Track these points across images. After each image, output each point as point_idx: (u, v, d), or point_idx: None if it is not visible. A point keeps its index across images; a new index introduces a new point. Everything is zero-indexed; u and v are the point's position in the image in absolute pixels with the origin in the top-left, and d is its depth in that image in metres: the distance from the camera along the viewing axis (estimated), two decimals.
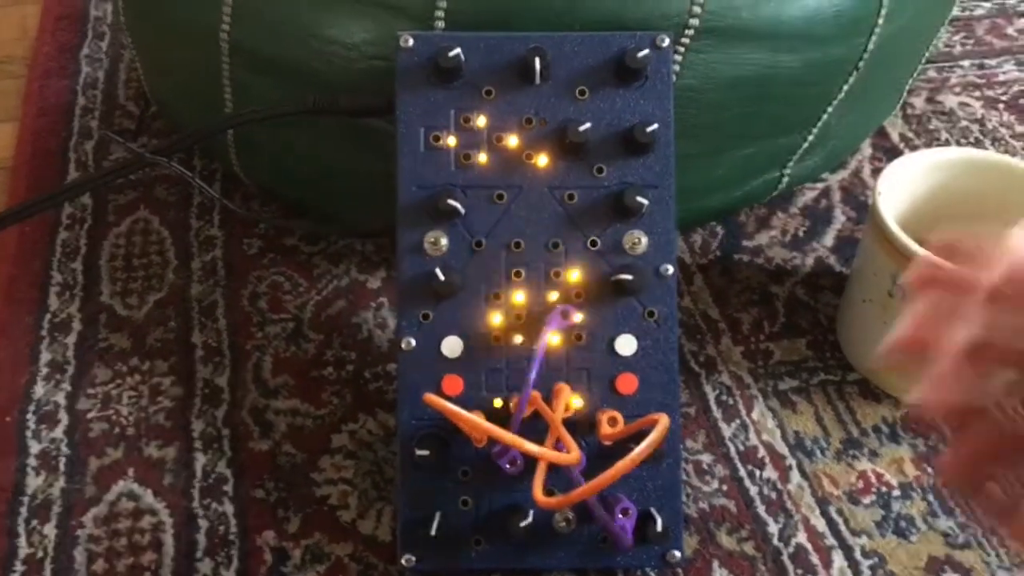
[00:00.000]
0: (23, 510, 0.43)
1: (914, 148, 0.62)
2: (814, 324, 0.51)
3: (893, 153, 0.61)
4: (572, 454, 0.34)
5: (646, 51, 0.40)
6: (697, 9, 0.42)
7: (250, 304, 0.52)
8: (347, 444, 0.46)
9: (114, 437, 0.46)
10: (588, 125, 0.40)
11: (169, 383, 0.48)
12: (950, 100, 0.66)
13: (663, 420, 0.32)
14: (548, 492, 0.36)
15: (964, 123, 0.64)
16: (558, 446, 0.36)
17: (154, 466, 0.45)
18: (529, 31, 0.41)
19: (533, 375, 0.36)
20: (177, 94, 0.55)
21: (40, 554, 0.42)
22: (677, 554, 0.40)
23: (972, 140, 0.63)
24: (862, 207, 0.58)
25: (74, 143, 0.62)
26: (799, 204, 0.58)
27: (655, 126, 0.40)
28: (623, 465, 0.30)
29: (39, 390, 0.48)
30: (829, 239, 0.56)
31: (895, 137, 0.63)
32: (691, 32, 0.43)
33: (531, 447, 0.33)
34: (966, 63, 0.69)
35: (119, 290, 0.53)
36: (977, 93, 0.66)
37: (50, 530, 0.42)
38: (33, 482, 0.44)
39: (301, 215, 0.56)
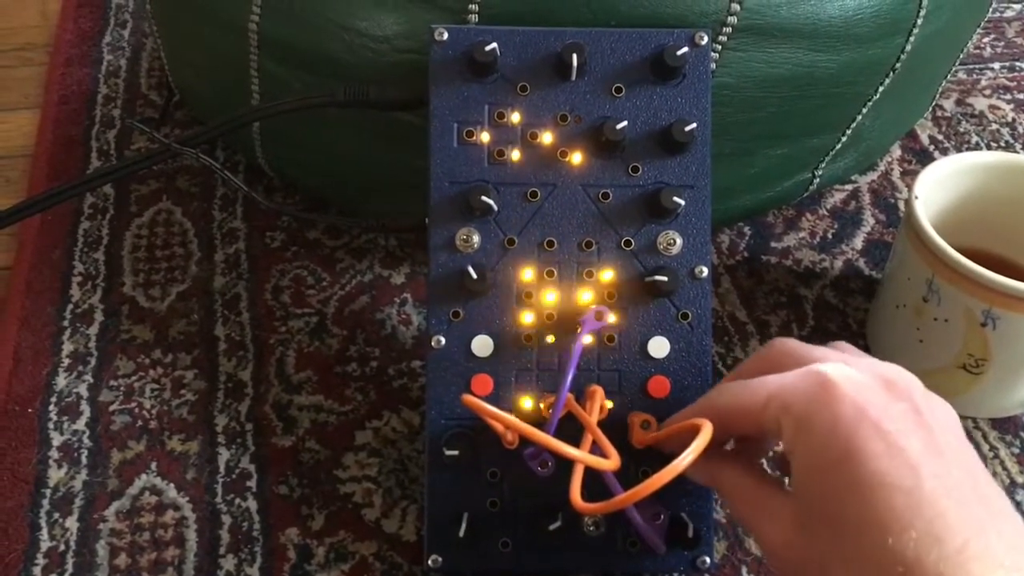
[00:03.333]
0: (45, 503, 0.43)
1: (944, 151, 0.61)
2: (843, 328, 0.51)
3: (923, 155, 0.61)
4: (612, 460, 0.34)
5: (684, 48, 0.39)
6: (736, 7, 0.42)
7: (273, 298, 0.52)
8: (371, 441, 0.45)
9: (136, 430, 0.46)
10: (624, 123, 0.39)
11: (192, 376, 0.48)
12: (980, 103, 0.65)
13: (707, 426, 0.32)
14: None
15: (994, 126, 0.63)
16: (594, 449, 0.36)
17: (177, 460, 0.44)
18: (564, 26, 0.41)
19: (570, 377, 0.36)
20: (203, 84, 0.54)
21: (62, 547, 0.41)
22: (707, 560, 0.39)
23: (1002, 143, 0.62)
24: (891, 209, 0.57)
25: (96, 132, 0.62)
26: (827, 206, 0.57)
27: (693, 125, 0.39)
28: (668, 472, 0.30)
29: (61, 381, 0.47)
30: (858, 242, 0.55)
31: (925, 139, 0.62)
32: (728, 30, 0.42)
33: (571, 451, 0.33)
34: (996, 65, 0.68)
35: (141, 281, 0.52)
36: (1008, 96, 0.65)
37: (72, 523, 0.42)
38: (55, 475, 0.44)
39: (325, 208, 0.56)
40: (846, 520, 0.29)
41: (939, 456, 0.29)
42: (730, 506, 0.35)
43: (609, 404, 0.39)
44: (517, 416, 0.37)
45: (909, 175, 0.59)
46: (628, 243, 0.40)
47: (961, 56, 0.56)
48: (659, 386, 0.39)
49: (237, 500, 0.43)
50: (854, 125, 0.50)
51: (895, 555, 0.27)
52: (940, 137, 0.62)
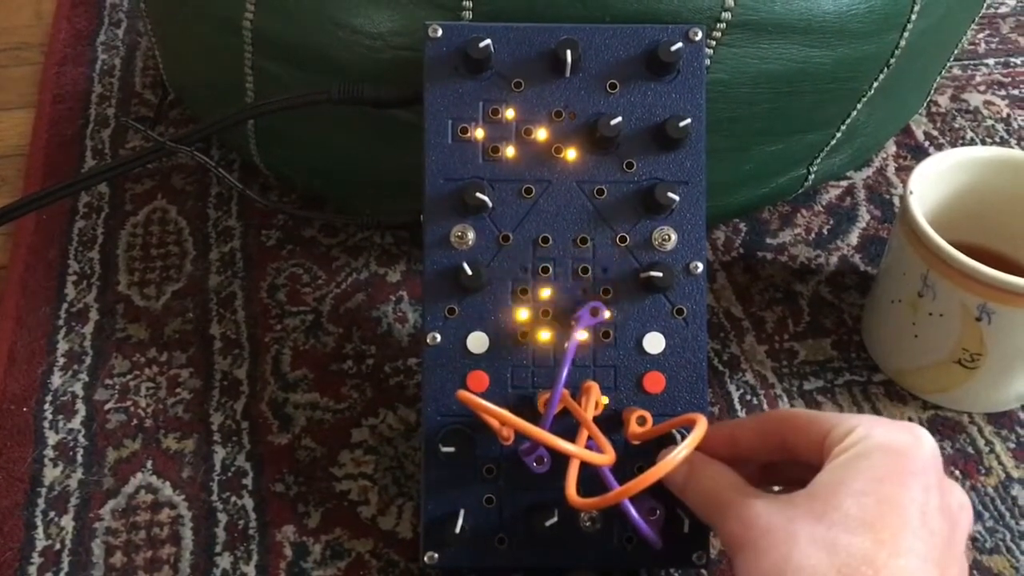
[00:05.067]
0: (40, 502, 0.43)
1: (939, 147, 0.61)
2: (839, 324, 0.51)
3: (918, 151, 0.61)
4: (607, 454, 0.34)
5: (679, 44, 0.39)
6: (730, 2, 0.42)
7: (269, 296, 0.51)
8: (367, 439, 0.45)
9: (132, 429, 0.45)
10: (619, 119, 0.39)
11: (187, 375, 0.48)
12: (975, 99, 0.65)
13: (701, 420, 0.32)
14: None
15: (989, 122, 0.63)
16: (589, 444, 0.36)
17: (172, 458, 0.44)
18: (559, 22, 0.41)
19: (565, 372, 0.36)
20: (197, 82, 0.54)
21: (57, 546, 0.41)
22: (704, 555, 0.39)
23: (997, 139, 0.62)
24: (887, 205, 0.57)
25: (91, 131, 0.62)
26: (823, 202, 0.57)
27: (688, 121, 0.39)
28: (662, 467, 0.30)
29: (56, 380, 0.47)
30: (854, 237, 0.55)
31: (920, 135, 0.62)
32: (723, 25, 0.42)
33: (566, 446, 0.33)
34: (991, 61, 0.68)
35: (137, 280, 0.52)
36: (1002, 92, 0.66)
37: (67, 522, 0.42)
38: (50, 473, 0.44)
39: (320, 206, 0.56)
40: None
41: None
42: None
43: (604, 400, 0.39)
44: (513, 413, 0.37)
45: (904, 171, 0.59)
46: (623, 239, 0.40)
47: (956, 52, 0.56)
48: (654, 382, 0.39)
49: (233, 498, 0.43)
50: (849, 121, 0.50)
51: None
52: (935, 133, 0.62)
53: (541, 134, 0.40)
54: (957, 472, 0.44)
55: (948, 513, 0.31)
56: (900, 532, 0.29)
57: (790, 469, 0.36)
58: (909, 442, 0.31)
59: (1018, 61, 0.68)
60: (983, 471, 0.44)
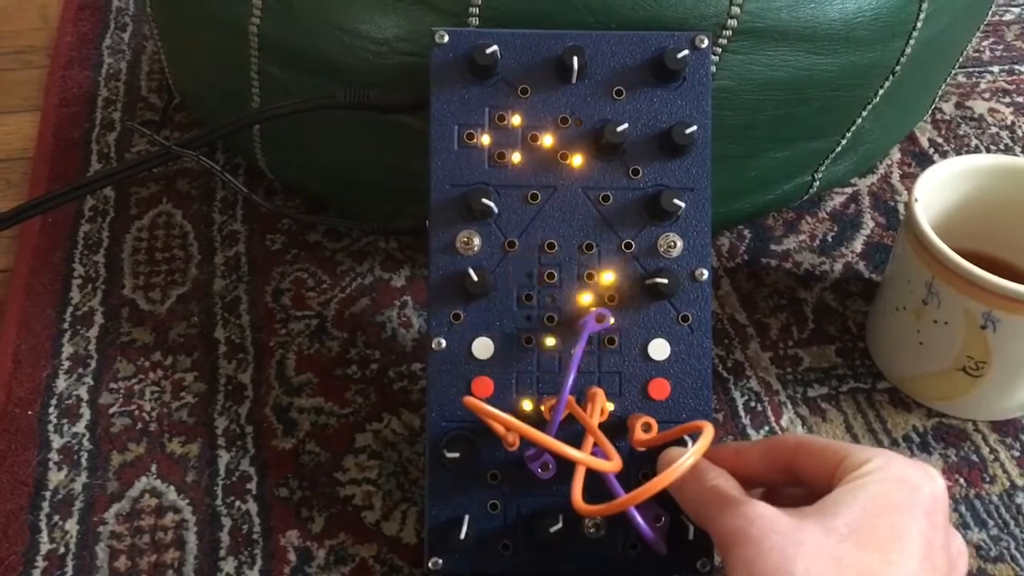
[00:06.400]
0: (45, 505, 0.43)
1: (944, 154, 0.61)
2: (843, 331, 0.51)
3: (922, 158, 0.61)
4: (613, 461, 0.34)
5: (685, 51, 0.40)
6: (736, 9, 0.42)
7: (273, 300, 0.52)
8: (371, 444, 0.45)
9: (136, 432, 0.45)
10: (625, 126, 0.39)
11: (192, 379, 0.48)
12: (979, 106, 0.65)
13: (708, 428, 0.32)
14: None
15: (994, 129, 0.63)
16: (595, 451, 0.36)
17: (177, 462, 0.44)
18: (565, 29, 0.41)
19: (571, 379, 0.36)
20: (203, 87, 0.54)
21: (62, 550, 0.41)
22: (708, 563, 0.39)
23: (1002, 146, 0.62)
24: (891, 212, 0.57)
25: (96, 134, 0.62)
26: (827, 209, 0.57)
27: (694, 127, 0.39)
28: (670, 473, 0.30)
29: (61, 384, 0.47)
30: (858, 244, 0.55)
31: (924, 142, 0.62)
32: (729, 32, 0.42)
33: (572, 452, 0.33)
34: (996, 68, 0.68)
35: (141, 284, 0.52)
36: (1007, 99, 0.66)
37: (72, 526, 0.42)
38: (55, 477, 0.44)
39: (325, 211, 0.56)
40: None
41: None
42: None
43: (610, 406, 0.39)
44: (517, 418, 0.37)
45: (909, 178, 0.59)
46: (628, 245, 0.40)
47: (960, 59, 0.56)
48: (659, 388, 0.39)
49: (237, 502, 0.43)
50: (854, 128, 0.50)
51: None
52: (940, 140, 0.62)
53: (547, 140, 0.40)
54: (961, 480, 0.44)
55: (949, 555, 0.32)
56: (907, 558, 0.29)
57: (789, 497, 0.36)
58: (923, 480, 0.32)
59: (1023, 68, 0.68)
60: (987, 479, 0.44)
